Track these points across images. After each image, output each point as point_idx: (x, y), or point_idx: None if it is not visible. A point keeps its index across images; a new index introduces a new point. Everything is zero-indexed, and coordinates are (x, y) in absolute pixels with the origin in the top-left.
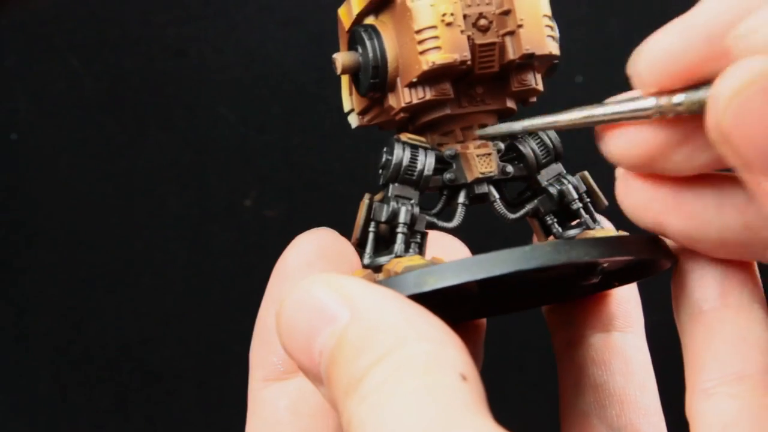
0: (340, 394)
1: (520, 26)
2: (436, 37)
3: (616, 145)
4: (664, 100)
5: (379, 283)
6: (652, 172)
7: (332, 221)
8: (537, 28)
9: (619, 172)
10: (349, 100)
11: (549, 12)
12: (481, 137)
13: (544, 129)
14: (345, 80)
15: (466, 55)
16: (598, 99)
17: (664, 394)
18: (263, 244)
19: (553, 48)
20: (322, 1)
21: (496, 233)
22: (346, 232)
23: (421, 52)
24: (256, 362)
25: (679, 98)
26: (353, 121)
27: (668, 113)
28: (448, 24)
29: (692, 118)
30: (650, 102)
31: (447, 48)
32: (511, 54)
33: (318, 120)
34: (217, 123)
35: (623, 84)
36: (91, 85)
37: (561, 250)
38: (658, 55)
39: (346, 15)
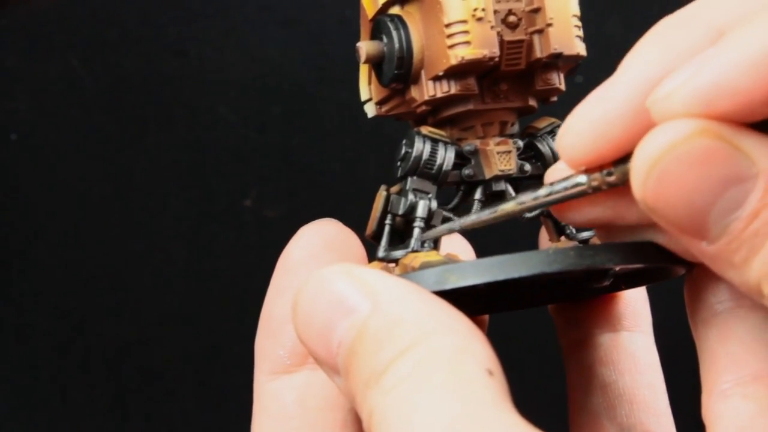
0: (360, 386)
1: (549, 25)
2: (465, 32)
3: (572, 219)
4: (596, 176)
5: (399, 276)
6: (616, 228)
7: None
8: (566, 28)
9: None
10: (367, 89)
11: (578, 12)
12: (425, 237)
13: (484, 225)
14: (363, 69)
15: (495, 51)
16: None
17: (671, 394)
18: (263, 244)
19: (581, 49)
20: (322, 1)
21: (500, 232)
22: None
23: (450, 46)
24: (262, 355)
25: (609, 171)
26: (370, 110)
27: (602, 186)
28: (479, 19)
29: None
30: (582, 179)
31: (476, 43)
32: (539, 52)
33: (318, 120)
34: (217, 123)
35: None
36: (91, 85)
37: (585, 255)
38: (581, 134)
39: (369, 4)
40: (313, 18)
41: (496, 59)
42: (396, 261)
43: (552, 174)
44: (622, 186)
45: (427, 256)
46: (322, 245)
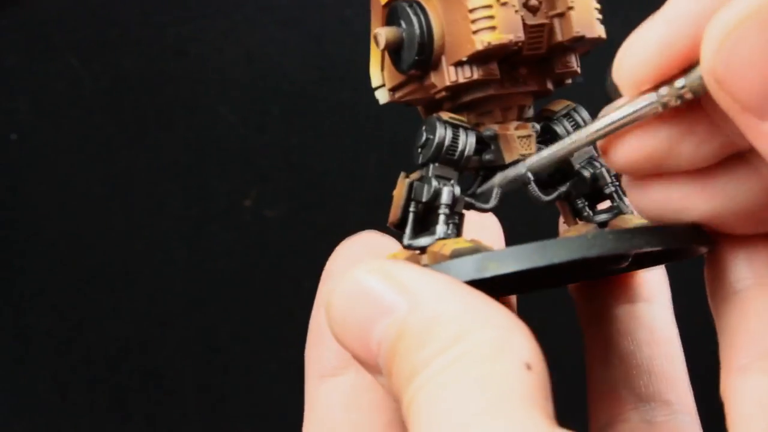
0: (403, 383)
1: (570, 8)
2: (490, 17)
3: (622, 155)
4: (664, 90)
5: (433, 267)
6: (663, 172)
7: (332, 221)
8: (587, 10)
9: (627, 180)
10: (379, 75)
11: None
12: (492, 185)
13: (551, 161)
14: (375, 54)
15: (521, 35)
16: (598, 98)
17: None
18: (263, 244)
19: (601, 31)
20: (322, 1)
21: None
22: (347, 232)
23: (475, 32)
24: (311, 361)
25: (680, 82)
26: (382, 96)
27: (672, 101)
28: (503, 3)
29: (691, 110)
30: (652, 96)
31: (502, 28)
32: (560, 36)
33: (318, 120)
34: (217, 123)
35: None
36: (91, 85)
37: (623, 239)
38: (647, 49)
39: None
40: (313, 18)
41: (520, 44)
42: (422, 248)
43: (608, 109)
44: (693, 97)
45: (456, 243)
46: (365, 252)
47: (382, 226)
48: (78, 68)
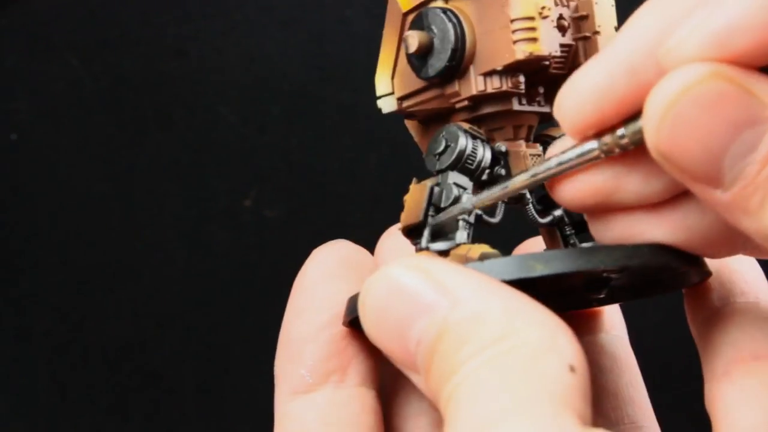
0: (442, 381)
1: (597, 32)
2: (532, 29)
3: (568, 195)
4: (606, 138)
5: (473, 266)
6: (612, 209)
7: (332, 221)
8: (611, 36)
9: (588, 216)
10: (388, 82)
11: (616, 22)
12: (436, 221)
13: (497, 200)
14: (385, 62)
15: (558, 51)
16: None
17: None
18: (263, 244)
19: None
20: (322, 1)
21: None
22: (347, 232)
23: (515, 41)
24: (282, 376)
25: (620, 132)
26: (388, 105)
27: (613, 150)
28: (544, 17)
29: (635, 149)
30: (593, 144)
31: (542, 41)
32: (583, 59)
33: (318, 120)
34: (217, 123)
35: None
36: (91, 85)
37: (659, 253)
38: (584, 96)
39: None
40: (313, 18)
41: (552, 60)
42: (440, 252)
43: (553, 151)
44: (634, 147)
45: (481, 248)
46: (337, 264)
47: (381, 226)
48: (78, 68)
